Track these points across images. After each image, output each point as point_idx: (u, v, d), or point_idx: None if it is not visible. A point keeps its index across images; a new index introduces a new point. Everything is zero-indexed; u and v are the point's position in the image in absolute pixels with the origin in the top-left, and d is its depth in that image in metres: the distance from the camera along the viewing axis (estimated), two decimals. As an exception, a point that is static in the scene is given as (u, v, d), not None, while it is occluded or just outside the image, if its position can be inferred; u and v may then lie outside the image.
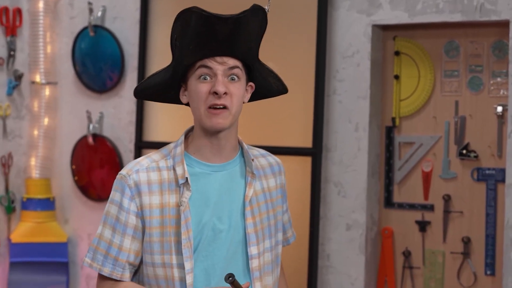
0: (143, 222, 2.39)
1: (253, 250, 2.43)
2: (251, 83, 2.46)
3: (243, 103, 2.44)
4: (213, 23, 2.29)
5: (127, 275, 2.42)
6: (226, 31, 2.30)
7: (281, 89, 2.57)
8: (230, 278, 2.21)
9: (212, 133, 2.38)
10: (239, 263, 2.43)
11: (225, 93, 2.32)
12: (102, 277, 2.45)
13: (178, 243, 2.36)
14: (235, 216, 2.43)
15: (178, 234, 2.36)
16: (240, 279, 2.39)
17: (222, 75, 2.33)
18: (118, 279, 2.41)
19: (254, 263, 2.43)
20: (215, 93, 2.31)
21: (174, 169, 2.40)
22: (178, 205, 2.36)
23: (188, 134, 2.49)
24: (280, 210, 2.57)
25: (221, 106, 2.33)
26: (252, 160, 2.46)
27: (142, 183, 2.39)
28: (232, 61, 2.35)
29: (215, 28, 2.30)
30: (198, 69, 2.35)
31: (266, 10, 2.40)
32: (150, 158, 2.45)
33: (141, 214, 2.38)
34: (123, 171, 2.43)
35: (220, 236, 2.40)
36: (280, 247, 2.58)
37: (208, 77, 2.34)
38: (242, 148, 2.50)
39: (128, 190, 2.39)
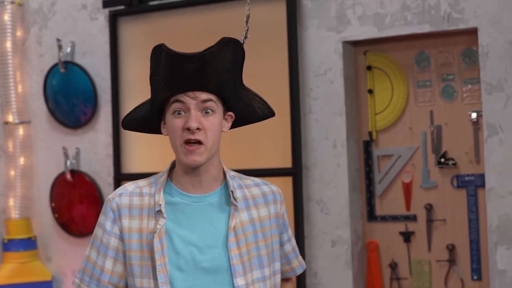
0: (123, 245, 2.41)
1: (239, 281, 2.41)
2: (230, 113, 2.46)
3: (223, 131, 2.44)
4: (180, 61, 2.31)
5: None
6: (193, 68, 2.32)
7: (267, 113, 2.54)
8: None
9: (191, 168, 2.40)
10: None
11: (198, 128, 2.33)
12: None
13: (155, 268, 2.37)
14: (218, 247, 2.42)
15: (154, 260, 2.38)
16: None
17: (195, 109, 2.34)
18: None
19: None
20: (188, 129, 2.33)
21: (154, 196, 2.43)
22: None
23: (174, 163, 2.51)
24: (276, 239, 2.54)
25: (196, 141, 2.34)
26: (231, 191, 2.45)
27: (123, 207, 2.43)
28: (204, 95, 2.35)
29: (182, 65, 2.31)
30: (172, 104, 2.37)
31: (242, 40, 2.42)
32: (136, 184, 2.50)
33: (122, 237, 2.42)
34: (109, 195, 2.49)
35: (202, 266, 2.40)
36: (278, 277, 2.56)
37: (182, 112, 2.35)
38: (226, 178, 2.49)
39: (111, 213, 2.44)
